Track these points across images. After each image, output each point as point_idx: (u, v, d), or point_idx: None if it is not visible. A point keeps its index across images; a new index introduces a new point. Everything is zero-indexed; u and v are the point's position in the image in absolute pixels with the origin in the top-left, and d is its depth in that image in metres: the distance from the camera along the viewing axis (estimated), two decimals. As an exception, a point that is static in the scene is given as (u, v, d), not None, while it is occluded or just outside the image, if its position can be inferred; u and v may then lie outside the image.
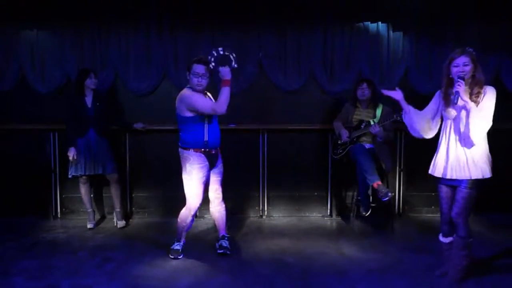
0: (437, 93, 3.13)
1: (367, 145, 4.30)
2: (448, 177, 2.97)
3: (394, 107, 4.25)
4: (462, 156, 2.92)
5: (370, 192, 4.35)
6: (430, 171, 3.13)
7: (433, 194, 4.93)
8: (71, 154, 4.26)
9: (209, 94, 3.70)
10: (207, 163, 3.57)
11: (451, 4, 4.76)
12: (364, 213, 4.42)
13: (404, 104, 3.16)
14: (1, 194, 4.74)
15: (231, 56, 3.45)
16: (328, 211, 4.95)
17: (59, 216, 4.83)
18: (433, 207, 4.97)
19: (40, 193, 4.79)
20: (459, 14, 4.76)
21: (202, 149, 3.53)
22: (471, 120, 2.83)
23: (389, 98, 4.53)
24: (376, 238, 4.18)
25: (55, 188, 4.82)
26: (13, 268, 3.43)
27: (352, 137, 4.33)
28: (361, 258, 3.66)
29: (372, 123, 4.22)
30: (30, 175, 4.78)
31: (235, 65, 3.46)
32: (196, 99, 3.46)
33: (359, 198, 4.44)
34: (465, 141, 2.90)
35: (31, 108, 4.76)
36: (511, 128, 4.72)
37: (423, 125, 3.12)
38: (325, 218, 4.90)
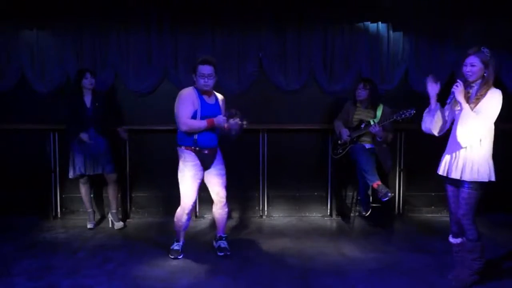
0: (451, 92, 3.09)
1: (367, 145, 4.30)
2: (450, 176, 2.97)
3: (394, 107, 4.27)
4: (461, 157, 2.91)
5: (370, 192, 4.35)
6: (437, 170, 3.12)
7: (433, 194, 4.94)
8: (85, 137, 4.23)
9: (217, 94, 3.69)
10: (198, 161, 3.55)
11: (451, 4, 4.76)
12: (364, 213, 4.42)
13: (433, 101, 3.01)
14: (1, 194, 4.74)
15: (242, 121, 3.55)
16: (328, 211, 4.95)
17: (59, 216, 4.83)
18: (433, 207, 4.97)
19: (40, 193, 4.79)
20: (459, 14, 4.76)
21: (192, 147, 3.53)
22: (462, 121, 2.82)
23: (389, 99, 4.60)
24: (376, 238, 4.18)
25: (55, 188, 4.82)
26: (13, 268, 3.43)
27: (352, 137, 4.33)
28: (361, 258, 3.66)
29: (372, 123, 4.22)
30: (30, 175, 4.78)
31: (246, 124, 3.55)
32: (181, 106, 3.48)
33: (359, 198, 4.45)
34: (456, 142, 2.90)
35: (31, 108, 4.76)
36: (511, 128, 4.72)
37: (438, 123, 3.03)
38: (325, 218, 4.90)
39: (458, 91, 2.83)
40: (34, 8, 4.61)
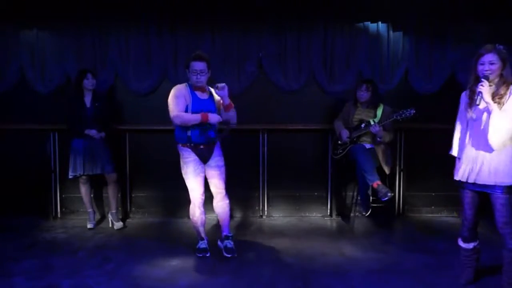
0: (463, 95, 2.94)
1: (367, 145, 4.30)
2: (472, 181, 2.79)
3: (394, 107, 4.27)
4: (489, 160, 2.72)
5: (370, 192, 4.34)
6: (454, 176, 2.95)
7: (433, 194, 4.93)
8: (92, 132, 4.26)
9: (211, 89, 3.68)
10: (196, 157, 3.58)
11: (451, 4, 4.76)
12: (364, 213, 4.42)
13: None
14: (1, 194, 4.73)
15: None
16: (328, 211, 4.95)
17: (59, 216, 4.83)
18: (433, 207, 4.97)
19: (40, 193, 4.79)
20: (459, 14, 4.76)
21: (188, 144, 3.56)
22: (491, 122, 2.66)
23: (389, 99, 4.60)
24: (376, 238, 4.18)
25: (55, 188, 4.81)
26: (13, 268, 3.43)
27: (352, 137, 4.33)
28: (361, 258, 3.66)
29: (372, 123, 4.22)
30: (30, 175, 4.78)
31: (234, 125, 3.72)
32: (173, 100, 3.55)
33: (359, 198, 4.45)
34: (485, 145, 2.72)
35: (31, 108, 4.76)
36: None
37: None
38: (325, 218, 4.89)
39: (485, 90, 2.67)
40: (34, 8, 4.61)
